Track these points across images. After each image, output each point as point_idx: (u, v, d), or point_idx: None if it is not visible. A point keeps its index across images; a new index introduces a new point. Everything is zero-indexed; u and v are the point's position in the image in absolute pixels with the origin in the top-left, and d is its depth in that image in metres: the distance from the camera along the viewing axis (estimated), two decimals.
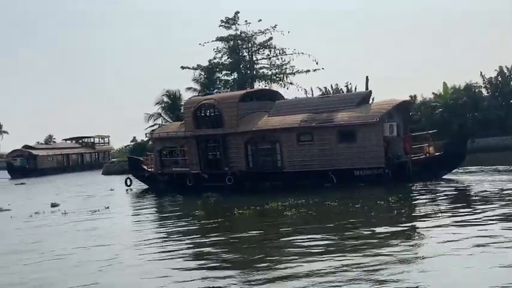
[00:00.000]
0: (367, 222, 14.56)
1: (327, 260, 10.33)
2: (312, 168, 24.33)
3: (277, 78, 46.88)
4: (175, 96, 51.44)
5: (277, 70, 47.27)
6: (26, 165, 70.98)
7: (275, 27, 45.99)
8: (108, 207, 22.62)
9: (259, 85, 46.95)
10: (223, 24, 47.91)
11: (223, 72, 48.78)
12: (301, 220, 15.78)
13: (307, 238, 12.70)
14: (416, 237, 12.57)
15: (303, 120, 24.83)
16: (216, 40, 47.91)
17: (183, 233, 15.28)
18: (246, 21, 47.24)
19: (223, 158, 26.90)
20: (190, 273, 10.34)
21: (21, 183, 49.06)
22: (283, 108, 26.59)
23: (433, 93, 46.80)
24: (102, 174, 54.16)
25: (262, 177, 25.22)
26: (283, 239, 13.49)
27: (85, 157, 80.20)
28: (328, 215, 16.79)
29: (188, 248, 12.99)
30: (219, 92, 30.95)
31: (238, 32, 47.83)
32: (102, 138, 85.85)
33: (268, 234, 14.32)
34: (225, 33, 48.34)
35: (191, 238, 14.31)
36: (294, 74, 46.83)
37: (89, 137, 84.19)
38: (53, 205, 24.65)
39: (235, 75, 48.48)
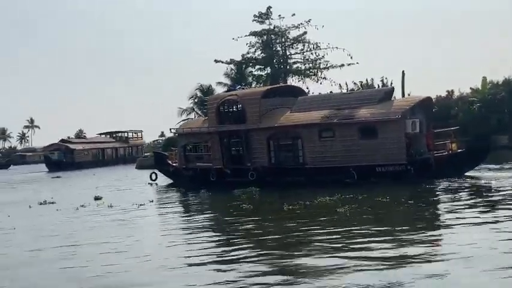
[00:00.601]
0: (430, 219, 14.29)
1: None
2: (333, 164, 24.39)
3: (311, 73, 46.51)
4: (209, 91, 51.26)
5: (310, 65, 46.89)
6: (63, 158, 72.59)
7: (309, 21, 45.64)
8: (152, 201, 23.01)
9: (292, 80, 46.85)
10: (256, 18, 47.70)
11: (257, 67, 48.56)
12: (360, 216, 15.35)
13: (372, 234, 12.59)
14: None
15: (324, 116, 24.93)
16: (249, 35, 47.62)
17: (247, 231, 14.63)
18: (279, 15, 47.00)
19: (246, 153, 27.18)
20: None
21: (57, 177, 49.84)
22: (305, 104, 26.73)
23: (470, 88, 46.22)
24: (136, 168, 54.67)
25: (284, 173, 25.40)
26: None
27: (119, 151, 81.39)
28: (387, 211, 16.37)
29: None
30: (243, 88, 31.13)
31: (272, 27, 47.55)
32: (135, 133, 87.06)
33: (335, 231, 13.46)
34: (258, 27, 48.18)
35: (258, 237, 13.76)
36: (327, 68, 46.40)
37: (123, 132, 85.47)
38: (96, 198, 24.82)
39: (268, 70, 48.25)
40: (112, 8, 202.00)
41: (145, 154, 65.95)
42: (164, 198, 25.33)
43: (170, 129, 33.66)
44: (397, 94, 39.11)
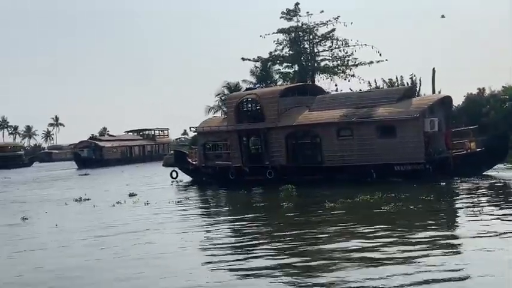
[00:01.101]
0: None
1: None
2: (351, 163, 24.47)
3: (339, 71, 46.10)
4: (236, 88, 51.00)
5: (339, 62, 46.38)
6: (92, 156, 73.64)
7: (337, 18, 45.23)
8: (188, 198, 23.01)
9: (320, 77, 46.52)
10: (284, 15, 47.28)
11: (284, 64, 48.14)
12: (407, 214, 15.15)
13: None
14: None
15: (343, 115, 25.00)
16: (277, 32, 47.25)
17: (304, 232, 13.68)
18: (307, 12, 46.53)
19: (264, 152, 27.36)
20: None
21: (85, 174, 50.24)
22: (324, 103, 26.81)
23: (503, 86, 45.50)
24: (163, 165, 54.73)
25: (302, 172, 25.51)
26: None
27: (146, 149, 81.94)
28: (436, 209, 16.05)
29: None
30: (261, 87, 31.32)
31: (300, 24, 47.13)
32: (161, 131, 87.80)
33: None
34: (286, 25, 47.67)
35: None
36: (356, 66, 45.82)
37: (150, 130, 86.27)
38: (131, 195, 24.81)
39: (295, 67, 47.79)
40: (137, 7, 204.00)
41: (172, 152, 66.42)
42: (197, 196, 25.14)
43: (190, 127, 33.87)
44: (428, 91, 39.15)
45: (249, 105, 28.51)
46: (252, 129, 27.86)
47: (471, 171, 22.21)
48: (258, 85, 34.75)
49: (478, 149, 23.69)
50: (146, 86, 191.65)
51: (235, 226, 15.55)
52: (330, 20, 45.72)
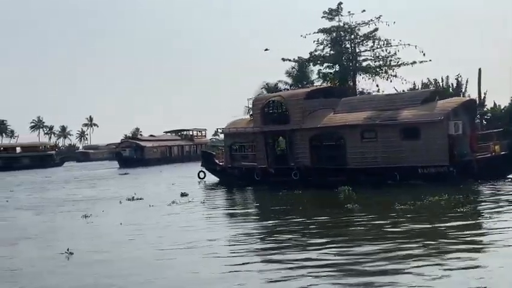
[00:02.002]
0: None
1: None
2: (375, 165, 24.60)
3: (381, 71, 44.83)
4: (275, 89, 50.16)
5: (381, 62, 45.09)
6: (134, 155, 75.38)
7: (379, 18, 44.10)
8: (244, 199, 23.16)
9: (362, 77, 45.69)
10: (326, 15, 46.34)
11: (325, 64, 46.89)
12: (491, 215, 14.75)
13: None
14: None
15: (367, 117, 25.14)
16: (318, 32, 46.18)
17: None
18: (349, 12, 45.57)
19: (289, 153, 27.67)
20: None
21: (125, 173, 50.87)
22: (348, 105, 26.97)
23: None
24: (201, 166, 55.17)
25: (326, 173, 25.72)
26: None
27: (185, 149, 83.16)
28: None
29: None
30: (287, 90, 31.61)
31: (341, 24, 46.17)
32: (199, 131, 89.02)
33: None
34: (327, 24, 46.62)
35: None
36: (399, 66, 44.43)
37: (188, 130, 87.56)
38: (183, 194, 24.89)
39: (336, 67, 46.72)
40: (170, 6, 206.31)
41: None
42: (248, 197, 24.49)
43: (217, 129, 34.44)
44: (473, 92, 38.67)
45: (275, 107, 28.86)
46: (278, 130, 28.21)
47: (495, 174, 22.11)
48: (284, 88, 34.52)
49: (503, 152, 23.51)
50: (181, 86, 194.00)
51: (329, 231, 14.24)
52: (371, 20, 44.59)
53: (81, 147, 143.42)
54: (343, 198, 20.13)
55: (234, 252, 11.92)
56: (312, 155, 26.93)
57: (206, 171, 34.14)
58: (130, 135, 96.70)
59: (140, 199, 24.02)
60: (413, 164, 23.49)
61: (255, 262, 10.81)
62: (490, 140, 24.48)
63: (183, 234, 14.61)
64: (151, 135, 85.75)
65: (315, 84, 50.83)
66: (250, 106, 29.90)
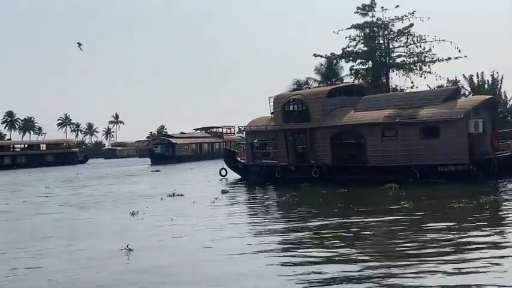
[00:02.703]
0: None
1: None
2: (395, 163, 24.69)
3: (415, 67, 44.20)
4: (307, 85, 49.40)
5: (415, 58, 44.47)
6: (165, 152, 76.56)
7: (413, 13, 43.21)
8: (292, 196, 21.27)
9: (395, 74, 45.27)
10: (359, 11, 45.69)
11: (358, 61, 46.45)
12: None
13: None
14: None
15: (387, 115, 25.23)
16: (351, 27, 45.56)
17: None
18: (382, 7, 44.91)
19: (310, 151, 27.91)
20: None
21: (157, 170, 50.91)
22: (369, 103, 27.06)
23: None
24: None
25: (347, 171, 25.91)
26: None
27: (214, 146, 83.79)
28: None
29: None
30: (309, 88, 31.81)
31: (375, 19, 45.45)
32: (228, 129, 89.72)
33: None
34: (360, 20, 45.92)
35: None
36: (433, 62, 43.56)
37: (217, 127, 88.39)
38: (224, 191, 25.04)
39: (369, 64, 46.32)
40: (198, 5, 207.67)
41: None
42: (292, 195, 21.87)
43: (239, 127, 34.84)
44: (509, 89, 37.84)
45: (295, 105, 29.13)
46: (298, 128, 28.46)
47: None
48: (305, 86, 34.51)
49: None
50: (208, 84, 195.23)
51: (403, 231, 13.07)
52: (405, 15, 43.88)
53: (107, 145, 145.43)
54: (392, 195, 19.90)
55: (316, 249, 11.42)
56: (333, 152, 27.13)
57: (228, 169, 34.57)
58: (156, 132, 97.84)
59: (181, 195, 23.96)
60: (433, 162, 23.54)
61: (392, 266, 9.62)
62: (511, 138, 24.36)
63: (240, 229, 14.45)
64: (181, 133, 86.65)
65: (344, 81, 50.61)
66: (272, 104, 30.08)
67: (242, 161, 32.88)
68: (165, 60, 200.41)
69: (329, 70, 50.30)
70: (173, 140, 78.85)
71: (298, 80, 52.18)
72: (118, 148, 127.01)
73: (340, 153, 27.16)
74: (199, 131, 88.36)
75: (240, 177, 33.29)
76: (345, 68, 50.30)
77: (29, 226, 17.62)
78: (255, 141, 31.95)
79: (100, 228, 16.12)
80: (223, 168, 34.71)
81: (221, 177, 34.23)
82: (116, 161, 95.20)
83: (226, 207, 20.01)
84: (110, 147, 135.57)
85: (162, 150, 77.05)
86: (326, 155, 27.28)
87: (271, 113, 30.36)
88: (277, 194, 23.04)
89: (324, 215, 16.03)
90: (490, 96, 26.12)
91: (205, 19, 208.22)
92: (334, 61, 49.84)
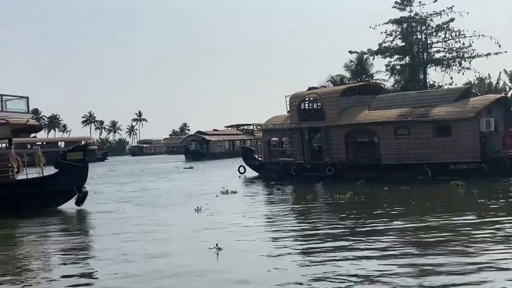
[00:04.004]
0: None
1: None
2: (407, 161, 25.03)
3: (454, 63, 43.48)
4: (341, 82, 50.22)
5: (454, 54, 43.65)
6: (199, 149, 78.17)
7: (452, 8, 42.48)
8: (350, 194, 19.99)
9: (433, 69, 44.76)
10: (396, 5, 44.99)
11: (395, 56, 45.84)
12: None
13: None
14: None
15: (400, 114, 25.57)
16: (388, 22, 44.81)
17: None
18: (419, 2, 44.15)
19: (325, 149, 28.40)
20: None
21: (190, 167, 51.12)
22: (383, 102, 27.43)
23: None
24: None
25: (360, 169, 26.33)
26: None
27: (246, 143, 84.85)
28: None
29: None
30: (324, 87, 32.28)
31: (413, 14, 44.70)
32: (259, 126, 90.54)
33: None
34: (397, 15, 45.27)
35: None
36: (473, 57, 42.75)
37: (248, 124, 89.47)
38: (277, 188, 25.15)
39: (406, 59, 45.77)
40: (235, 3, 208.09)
41: None
42: (354, 193, 20.34)
43: (255, 125, 35.47)
44: None
45: (310, 104, 29.62)
46: (313, 127, 28.98)
47: None
48: (321, 85, 34.67)
49: None
50: (239, 80, 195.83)
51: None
52: (443, 10, 43.16)
53: (131, 142, 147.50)
54: (462, 193, 19.57)
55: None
56: (347, 151, 27.58)
57: (246, 166, 35.22)
58: (178, 130, 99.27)
59: (234, 193, 23.78)
60: (445, 160, 23.83)
61: None
62: None
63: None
64: (214, 130, 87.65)
65: (374, 78, 50.48)
66: (288, 103, 30.63)
67: (260, 158, 33.53)
68: (189, 58, 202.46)
69: (359, 66, 50.19)
70: (207, 137, 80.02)
71: (332, 77, 52.23)
72: (145, 145, 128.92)
73: (354, 151, 27.61)
74: (230, 128, 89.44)
75: (257, 174, 33.93)
76: (376, 64, 49.70)
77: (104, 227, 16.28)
78: (271, 139, 32.59)
79: (177, 226, 15.31)
80: (241, 166, 35.38)
81: (239, 175, 34.90)
82: (144, 158, 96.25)
83: (288, 204, 19.76)
84: (136, 144, 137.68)
85: (197, 147, 78.71)
86: (340, 153, 27.75)
87: (288, 112, 30.92)
88: (333, 192, 21.11)
89: (429, 214, 14.80)
90: (502, 95, 26.16)
91: (235, 17, 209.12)
92: (365, 58, 49.49)
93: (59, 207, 20.63)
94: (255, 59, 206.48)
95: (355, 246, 11.19)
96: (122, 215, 18.54)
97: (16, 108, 21.99)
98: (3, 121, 20.24)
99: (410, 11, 44.63)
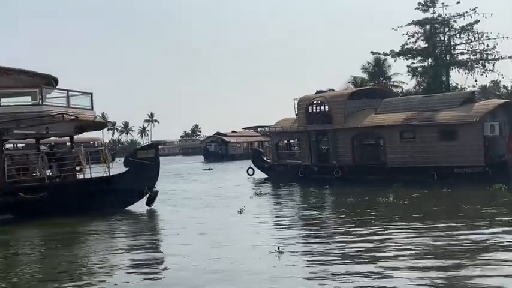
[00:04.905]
0: None
1: None
2: (413, 164, 25.37)
3: (477, 65, 43.23)
4: (362, 83, 50.12)
5: (478, 56, 43.33)
6: (219, 150, 79.14)
7: (475, 9, 42.27)
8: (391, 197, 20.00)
9: (457, 71, 44.51)
10: (420, 7, 44.80)
11: (418, 58, 45.54)
12: None
13: None
14: None
15: (406, 118, 25.95)
16: (410, 24, 44.67)
17: None
18: (442, 3, 44.10)
19: (332, 152, 28.84)
20: None
21: (209, 169, 51.75)
22: (389, 106, 27.79)
23: None
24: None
25: (366, 171, 26.72)
26: None
27: (264, 144, 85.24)
28: None
29: None
30: (332, 91, 32.74)
31: (436, 15, 44.53)
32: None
33: None
34: (420, 16, 45.15)
35: None
36: (497, 60, 42.53)
37: (265, 126, 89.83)
38: (312, 190, 24.88)
39: (429, 61, 45.44)
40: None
41: None
42: (398, 197, 20.16)
43: (264, 127, 36.00)
44: None
45: (318, 107, 30.07)
46: (321, 130, 29.42)
47: None
48: (328, 89, 34.82)
49: None
50: (258, 81, 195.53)
51: None
52: (466, 12, 43.01)
53: (143, 143, 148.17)
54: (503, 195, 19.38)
55: None
56: (353, 153, 27.99)
57: (255, 168, 35.72)
58: (190, 131, 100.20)
59: (266, 194, 24.19)
60: (450, 164, 24.15)
61: None
62: None
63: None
64: (233, 131, 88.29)
65: (392, 80, 50.56)
66: (296, 106, 31.12)
67: (268, 160, 34.03)
68: (201, 60, 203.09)
69: (377, 68, 50.26)
70: (226, 139, 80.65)
71: (354, 78, 52.34)
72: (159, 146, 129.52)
73: (360, 154, 28.03)
74: (247, 130, 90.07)
75: (266, 176, 34.43)
76: (394, 66, 49.59)
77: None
78: (279, 141, 33.11)
79: (228, 229, 15.25)
80: (250, 168, 35.89)
81: (248, 176, 35.40)
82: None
83: (331, 207, 19.43)
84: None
85: (216, 148, 79.63)
86: (347, 155, 28.17)
87: (296, 115, 31.38)
88: (368, 195, 20.99)
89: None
90: (507, 100, 26.43)
91: (243, 17, 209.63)
92: (382, 59, 49.41)
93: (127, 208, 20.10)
94: (269, 60, 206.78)
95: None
96: (163, 216, 18.69)
97: (81, 104, 21.17)
98: (72, 117, 19.37)
99: (434, 13, 44.46)
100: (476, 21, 42.44)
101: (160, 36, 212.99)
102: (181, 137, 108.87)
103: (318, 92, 31.51)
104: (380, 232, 13.28)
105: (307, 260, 10.60)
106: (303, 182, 28.59)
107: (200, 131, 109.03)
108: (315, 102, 30.19)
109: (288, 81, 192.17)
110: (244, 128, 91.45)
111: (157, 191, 20.23)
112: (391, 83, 52.70)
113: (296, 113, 31.39)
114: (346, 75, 60.75)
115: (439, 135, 24.76)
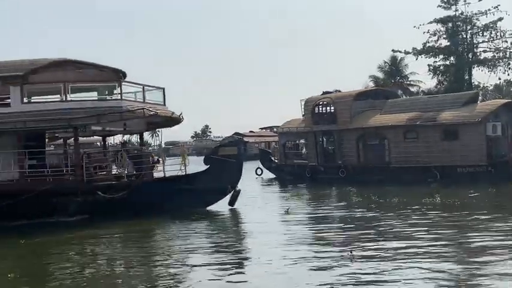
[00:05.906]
0: None
1: None
2: (416, 164, 25.71)
3: (500, 63, 42.77)
4: (383, 82, 50.00)
5: (500, 54, 42.82)
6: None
7: (497, 7, 41.71)
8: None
9: (479, 69, 43.99)
10: (442, 4, 44.33)
11: (440, 56, 45.17)
12: None
13: None
14: None
15: (409, 118, 26.32)
16: (433, 21, 44.22)
17: None
18: (465, 1, 43.53)
19: (337, 152, 29.29)
20: None
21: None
22: (394, 107, 28.18)
23: None
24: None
25: (371, 171, 27.10)
26: None
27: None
28: None
29: None
30: (339, 92, 33.10)
31: (458, 13, 44.02)
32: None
33: None
34: (442, 14, 44.71)
35: None
36: None
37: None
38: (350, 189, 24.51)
39: (451, 59, 45.07)
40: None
41: None
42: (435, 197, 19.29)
43: (271, 127, 36.51)
44: None
45: (324, 108, 30.52)
46: (327, 130, 29.88)
47: None
48: (335, 89, 35.02)
49: None
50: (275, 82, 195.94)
51: None
52: (489, 9, 42.44)
53: (153, 144, 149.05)
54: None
55: None
56: (358, 154, 28.41)
57: (263, 168, 36.19)
58: (200, 132, 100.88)
59: (303, 194, 24.13)
60: (452, 164, 24.49)
61: None
62: None
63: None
64: (250, 131, 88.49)
65: (409, 79, 50.45)
66: (303, 107, 31.61)
67: (276, 160, 34.55)
68: (212, 60, 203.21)
69: (393, 67, 50.32)
70: (245, 139, 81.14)
71: (374, 76, 52.28)
72: (170, 146, 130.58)
73: (365, 154, 28.43)
74: (264, 130, 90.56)
75: (274, 176, 34.93)
76: (410, 65, 49.27)
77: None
78: (286, 142, 33.61)
79: (287, 229, 14.68)
80: (258, 168, 36.37)
81: (257, 176, 35.89)
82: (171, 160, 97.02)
83: (377, 208, 17.98)
84: (163, 145, 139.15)
85: None
86: (352, 155, 28.56)
87: (303, 115, 31.86)
88: (413, 197, 19.92)
89: None
90: (510, 100, 26.68)
91: (247, 16, 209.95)
92: (399, 58, 49.22)
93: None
94: (269, 60, 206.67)
95: None
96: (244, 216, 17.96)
97: (155, 100, 19.71)
98: (152, 112, 17.86)
99: (456, 10, 44.06)
100: (500, 19, 42.02)
101: (167, 38, 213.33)
102: (192, 137, 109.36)
103: (324, 93, 31.91)
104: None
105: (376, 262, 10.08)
106: (311, 182, 29.05)
107: (210, 131, 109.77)
108: (321, 103, 30.64)
109: (297, 82, 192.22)
110: (261, 128, 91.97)
111: (240, 190, 18.93)
112: (408, 82, 52.58)
113: (303, 113, 31.85)
114: (364, 74, 60.61)
115: (441, 135, 25.13)
